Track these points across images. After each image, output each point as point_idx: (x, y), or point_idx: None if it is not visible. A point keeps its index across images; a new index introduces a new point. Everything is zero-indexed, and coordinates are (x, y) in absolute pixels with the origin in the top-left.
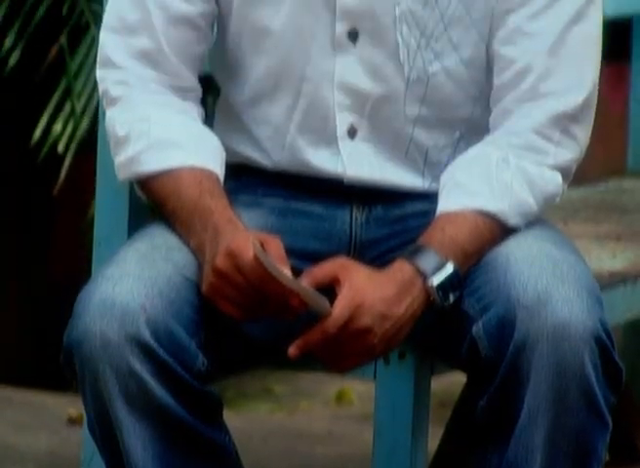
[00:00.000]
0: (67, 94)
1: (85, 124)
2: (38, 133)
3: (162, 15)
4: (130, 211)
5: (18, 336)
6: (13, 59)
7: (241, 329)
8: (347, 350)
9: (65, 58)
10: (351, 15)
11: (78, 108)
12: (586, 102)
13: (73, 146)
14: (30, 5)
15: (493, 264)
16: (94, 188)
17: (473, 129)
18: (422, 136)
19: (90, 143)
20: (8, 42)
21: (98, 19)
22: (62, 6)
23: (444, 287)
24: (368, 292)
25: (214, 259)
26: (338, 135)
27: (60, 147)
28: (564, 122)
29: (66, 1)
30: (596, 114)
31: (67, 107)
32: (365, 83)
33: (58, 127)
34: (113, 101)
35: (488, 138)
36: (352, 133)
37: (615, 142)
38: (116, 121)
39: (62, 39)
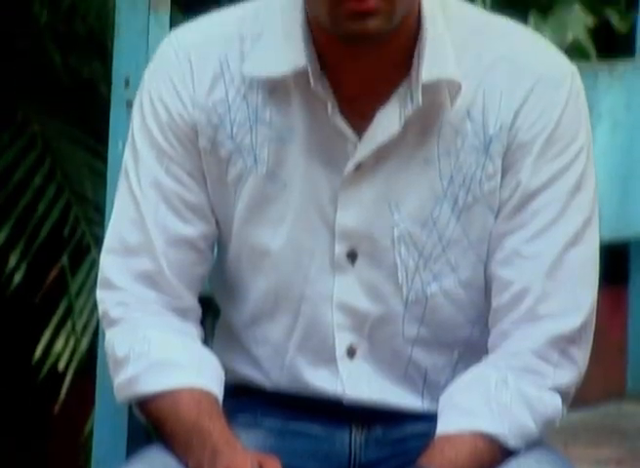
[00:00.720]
0: (68, 313)
1: (85, 343)
2: (39, 351)
3: (162, 237)
4: (128, 432)
5: None
6: (17, 278)
7: None
8: None
9: (67, 278)
10: (350, 236)
11: (79, 327)
12: (585, 325)
13: (73, 365)
14: (33, 226)
15: None
16: (90, 407)
17: (472, 349)
18: (421, 356)
19: (88, 363)
20: (12, 262)
21: (98, 241)
22: (64, 228)
23: None
24: None
25: None
26: (337, 354)
27: (61, 365)
28: (563, 344)
29: (68, 223)
30: (595, 336)
31: (69, 326)
32: (364, 303)
33: (59, 345)
34: (113, 323)
35: (486, 360)
36: (351, 352)
37: (614, 365)
38: (116, 342)
39: (64, 260)
